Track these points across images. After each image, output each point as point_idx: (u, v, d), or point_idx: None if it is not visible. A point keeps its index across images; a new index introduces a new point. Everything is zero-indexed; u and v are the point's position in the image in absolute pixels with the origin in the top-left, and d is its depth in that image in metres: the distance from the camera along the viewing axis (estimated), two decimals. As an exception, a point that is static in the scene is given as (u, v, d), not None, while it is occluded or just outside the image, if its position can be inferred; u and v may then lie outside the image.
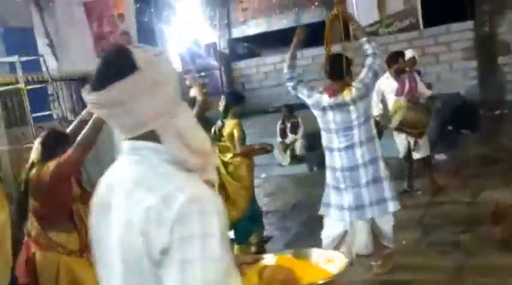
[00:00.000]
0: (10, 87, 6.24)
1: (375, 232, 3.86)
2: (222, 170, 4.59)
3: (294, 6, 13.36)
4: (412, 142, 5.61)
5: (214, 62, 14.66)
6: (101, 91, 1.14)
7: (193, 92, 6.43)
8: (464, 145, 8.02)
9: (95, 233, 1.29)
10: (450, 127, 8.87)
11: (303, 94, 3.84)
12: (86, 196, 2.97)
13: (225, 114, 4.70)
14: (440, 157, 7.20)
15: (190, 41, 14.34)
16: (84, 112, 3.12)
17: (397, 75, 5.57)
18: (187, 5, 13.91)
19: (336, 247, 3.59)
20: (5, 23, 8.02)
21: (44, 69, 7.49)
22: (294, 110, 9.12)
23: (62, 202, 3.04)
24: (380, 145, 3.80)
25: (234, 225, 4.53)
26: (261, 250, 4.70)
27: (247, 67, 14.18)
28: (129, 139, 1.22)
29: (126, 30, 8.68)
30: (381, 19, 12.22)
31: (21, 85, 5.93)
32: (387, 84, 5.61)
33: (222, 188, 4.53)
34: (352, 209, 3.63)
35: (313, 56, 11.90)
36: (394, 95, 5.57)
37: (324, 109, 3.71)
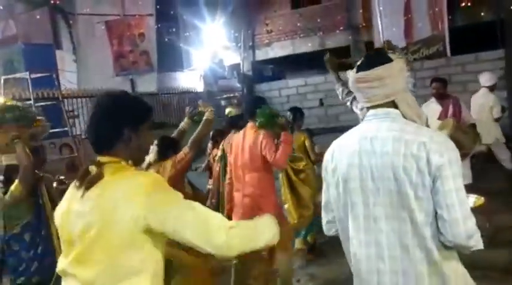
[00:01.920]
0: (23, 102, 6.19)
1: None
2: (294, 177, 5.10)
3: (319, 30, 13.21)
4: None
5: (237, 84, 14.61)
6: (370, 70, 1.80)
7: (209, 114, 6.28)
8: (490, 177, 7.58)
9: (348, 172, 1.84)
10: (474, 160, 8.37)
11: (357, 107, 4.25)
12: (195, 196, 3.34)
13: (292, 127, 4.88)
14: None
15: (214, 62, 14.34)
16: (182, 124, 3.99)
17: (441, 99, 5.68)
18: (212, 26, 13.94)
19: None
20: (27, 39, 8.11)
21: (61, 85, 7.50)
22: (313, 134, 8.88)
23: None
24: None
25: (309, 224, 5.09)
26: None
27: (270, 90, 14.04)
28: (374, 107, 1.85)
29: (146, 49, 8.64)
30: (407, 45, 11.94)
31: (31, 101, 5.86)
32: (431, 107, 5.72)
33: (293, 193, 5.12)
34: None
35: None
36: (437, 119, 5.55)
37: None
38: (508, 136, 9.73)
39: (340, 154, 1.88)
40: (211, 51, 14.24)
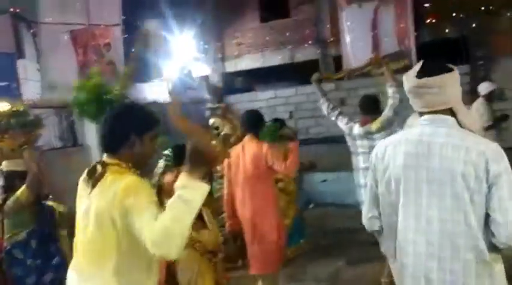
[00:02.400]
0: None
1: None
2: None
3: (288, 43, 13.26)
4: None
5: (206, 95, 14.47)
6: (433, 77, 1.86)
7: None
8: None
9: (402, 173, 1.91)
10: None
11: (342, 122, 4.86)
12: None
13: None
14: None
15: (183, 73, 14.18)
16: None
17: None
18: (181, 37, 13.81)
19: None
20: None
21: (24, 94, 7.25)
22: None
23: None
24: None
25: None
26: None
27: (240, 102, 13.95)
28: (430, 113, 1.94)
29: (112, 60, 8.45)
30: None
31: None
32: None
33: None
34: None
35: (308, 94, 11.71)
36: None
37: (354, 136, 4.79)
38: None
39: (394, 154, 1.97)
40: (180, 62, 14.09)
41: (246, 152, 4.10)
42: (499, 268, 1.90)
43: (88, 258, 1.96)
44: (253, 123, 4.26)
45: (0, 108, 3.66)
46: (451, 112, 1.96)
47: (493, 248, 1.83)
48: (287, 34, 13.24)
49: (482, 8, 10.41)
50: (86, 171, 2.03)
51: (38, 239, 3.42)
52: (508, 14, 10.25)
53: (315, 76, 4.96)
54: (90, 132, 6.93)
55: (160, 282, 2.86)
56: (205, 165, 1.81)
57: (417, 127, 2.00)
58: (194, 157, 1.81)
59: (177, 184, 1.82)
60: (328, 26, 12.94)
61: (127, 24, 9.10)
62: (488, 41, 10.63)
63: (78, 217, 2.06)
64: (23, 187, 3.33)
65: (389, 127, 4.43)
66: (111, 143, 2.01)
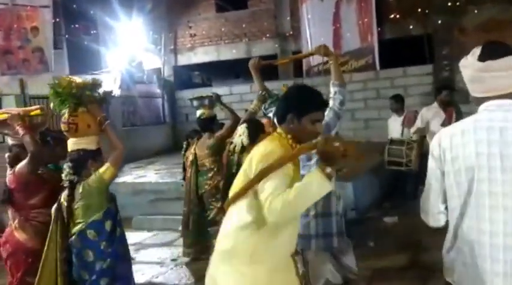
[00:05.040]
0: None
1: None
2: None
3: (245, 36, 12.46)
4: None
5: (157, 89, 13.51)
6: (499, 60, 1.80)
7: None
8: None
9: (475, 161, 1.83)
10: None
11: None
12: None
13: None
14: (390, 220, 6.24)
15: (131, 65, 13.14)
16: (252, 106, 3.83)
17: (444, 106, 5.99)
18: (129, 26, 12.74)
19: None
20: None
21: None
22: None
23: None
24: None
25: None
26: None
27: (193, 98, 13.08)
28: (496, 97, 1.85)
29: (40, 46, 7.39)
30: (335, 56, 11.45)
31: None
32: (435, 113, 6.00)
33: None
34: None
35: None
36: (440, 125, 5.60)
37: None
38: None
39: (463, 143, 1.88)
40: (128, 52, 13.02)
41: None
42: None
43: None
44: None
45: (76, 78, 3.44)
46: None
47: None
48: (244, 26, 12.45)
49: (449, 4, 9.89)
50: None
51: (112, 219, 3.29)
52: (476, 11, 9.76)
53: (252, 62, 3.83)
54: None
55: None
56: (335, 163, 2.05)
57: (482, 113, 1.89)
58: (323, 156, 2.07)
59: (308, 174, 2.13)
60: (288, 18, 12.23)
61: (58, 6, 8.03)
62: (454, 39, 10.13)
63: None
64: (107, 164, 3.19)
65: (328, 131, 3.62)
66: (278, 118, 2.39)
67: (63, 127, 3.25)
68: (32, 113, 3.48)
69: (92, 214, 3.19)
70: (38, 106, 3.49)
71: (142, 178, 8.08)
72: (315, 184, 2.05)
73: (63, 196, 3.22)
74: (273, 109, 3.80)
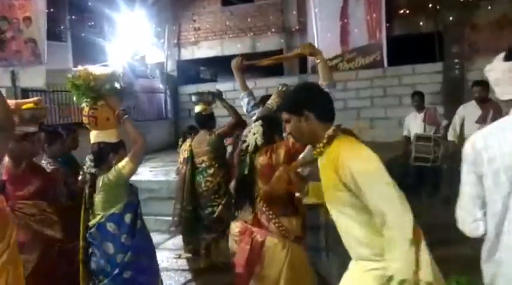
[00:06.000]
0: None
1: None
2: None
3: (250, 30, 12.14)
4: None
5: (159, 84, 13.25)
6: None
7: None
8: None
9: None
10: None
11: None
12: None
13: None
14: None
15: (134, 59, 12.89)
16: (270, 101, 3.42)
17: (482, 102, 5.77)
18: (132, 19, 12.48)
19: None
20: None
21: None
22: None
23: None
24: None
25: None
26: None
27: (196, 93, 12.80)
28: None
29: (33, 37, 7.15)
30: (342, 53, 11.10)
31: None
32: (470, 110, 5.86)
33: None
34: None
35: (268, 87, 10.64)
36: (475, 122, 5.61)
37: None
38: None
39: (499, 144, 1.85)
40: (131, 45, 12.77)
41: None
42: None
43: None
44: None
45: (95, 71, 3.34)
46: None
47: None
48: (249, 20, 12.13)
49: (461, 0, 9.48)
50: None
51: (132, 212, 3.27)
52: (489, 8, 9.34)
53: (234, 62, 3.63)
54: None
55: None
56: None
57: None
58: None
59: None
60: (294, 12, 11.88)
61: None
62: (465, 36, 9.73)
63: None
64: (126, 159, 3.19)
65: None
66: (288, 104, 2.29)
67: (84, 120, 3.26)
68: (24, 107, 3.31)
69: (110, 207, 3.22)
70: (32, 99, 3.35)
71: (136, 176, 7.80)
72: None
73: (86, 187, 3.30)
74: (256, 111, 3.64)
